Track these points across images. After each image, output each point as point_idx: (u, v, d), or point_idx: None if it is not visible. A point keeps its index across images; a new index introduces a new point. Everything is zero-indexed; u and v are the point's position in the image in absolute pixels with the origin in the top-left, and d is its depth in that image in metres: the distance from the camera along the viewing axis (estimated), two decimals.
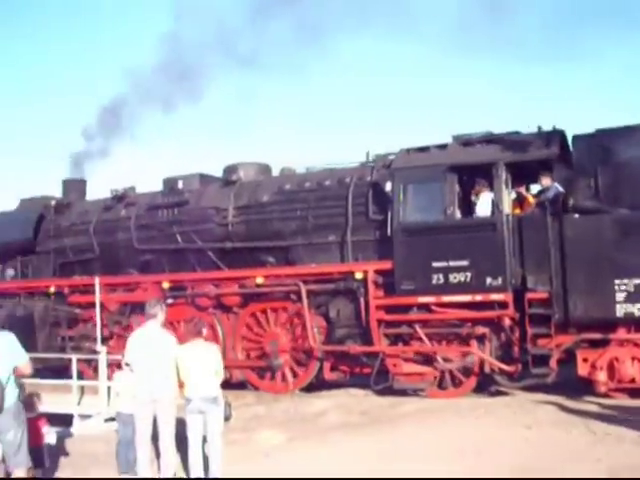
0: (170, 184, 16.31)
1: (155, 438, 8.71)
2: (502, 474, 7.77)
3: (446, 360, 12.65)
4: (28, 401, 8.90)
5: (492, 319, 12.15)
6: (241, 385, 14.58)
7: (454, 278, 12.21)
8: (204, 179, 16.29)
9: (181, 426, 8.74)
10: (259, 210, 14.82)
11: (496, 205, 12.14)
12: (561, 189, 11.97)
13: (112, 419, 11.65)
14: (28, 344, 7.46)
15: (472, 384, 12.59)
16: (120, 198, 17.04)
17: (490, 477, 6.82)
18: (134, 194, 17.10)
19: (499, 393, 12.61)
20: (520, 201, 13.12)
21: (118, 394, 9.58)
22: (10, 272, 18.31)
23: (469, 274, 12.11)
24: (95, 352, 15.78)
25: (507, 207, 12.27)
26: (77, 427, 12.82)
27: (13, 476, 7.15)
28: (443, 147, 13.01)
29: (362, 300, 13.11)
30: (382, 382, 13.05)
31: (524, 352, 11.91)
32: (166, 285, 15.24)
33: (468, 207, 12.82)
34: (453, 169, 12.51)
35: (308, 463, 8.99)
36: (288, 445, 10.27)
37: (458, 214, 12.55)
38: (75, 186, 19.01)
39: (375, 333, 12.91)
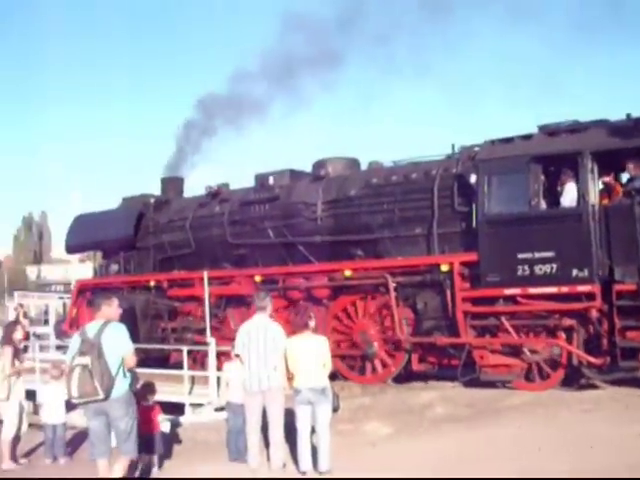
0: (261, 180, 16.79)
1: (264, 428, 8.96)
2: (615, 473, 7.60)
3: (533, 352, 12.59)
4: (143, 390, 9.55)
5: (579, 311, 12.00)
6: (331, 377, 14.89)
7: (539, 270, 12.13)
8: (294, 175, 16.69)
9: (290, 417, 8.92)
10: (347, 204, 15.08)
11: (582, 195, 11.97)
12: None
13: (222, 408, 12.04)
14: (130, 335, 7.73)
15: (560, 376, 12.46)
16: (214, 195, 17.67)
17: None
18: (227, 190, 17.70)
19: (589, 387, 12.41)
20: (608, 191, 12.85)
21: (228, 384, 9.87)
22: (114, 267, 19.31)
23: (555, 265, 12.00)
24: (196, 343, 16.57)
25: (593, 197, 12.07)
26: (189, 416, 13.42)
27: (117, 464, 7.39)
28: (528, 137, 12.91)
29: (448, 292, 13.19)
30: (469, 374, 13.11)
31: (613, 345, 11.73)
32: (258, 278, 15.74)
33: (554, 198, 12.67)
34: (537, 159, 12.41)
35: (415, 455, 9.10)
36: (395, 436, 10.38)
37: (543, 205, 12.46)
38: (173, 184, 19.87)
39: (461, 325, 12.96)
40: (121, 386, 7.30)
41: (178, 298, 17.38)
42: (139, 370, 12.31)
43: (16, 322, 12.46)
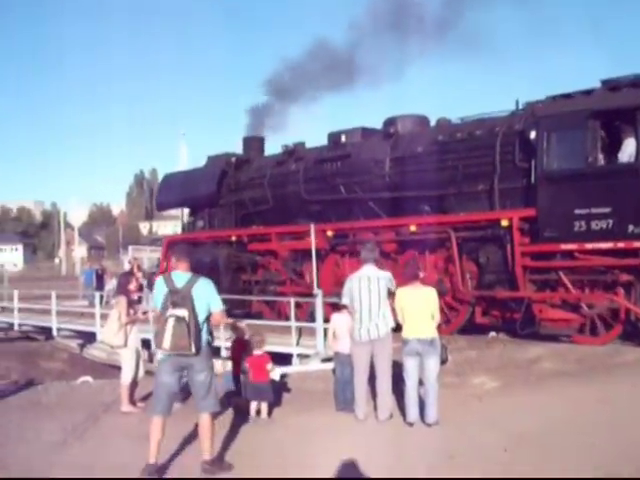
0: (334, 138, 17.29)
1: (371, 379, 9.00)
2: None
3: (591, 307, 12.73)
4: (254, 340, 9.94)
5: (636, 267, 12.04)
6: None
7: (596, 225, 12.21)
8: (366, 132, 17.11)
9: (397, 368, 8.96)
10: (413, 161, 15.42)
11: (639, 151, 11.92)
12: None
13: (329, 359, 12.48)
14: (216, 284, 7.30)
15: (618, 331, 12.56)
16: (291, 153, 18.30)
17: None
18: (303, 149, 18.30)
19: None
20: None
21: (335, 335, 9.77)
22: (200, 223, 20.39)
23: (611, 221, 12.06)
24: (278, 294, 17.44)
25: None
26: (296, 366, 13.65)
27: (201, 420, 7.06)
28: (589, 93, 12.87)
29: (509, 247, 13.43)
30: (529, 327, 13.36)
31: None
32: (330, 233, 16.36)
33: (614, 154, 12.63)
34: (596, 115, 12.39)
35: (522, 410, 9.01)
36: (502, 391, 10.27)
37: (601, 161, 12.47)
38: (254, 143, 20.63)
39: (520, 279, 13.21)
40: (204, 340, 7.04)
41: (258, 252, 18.24)
42: (248, 321, 12.94)
43: (130, 273, 12.94)
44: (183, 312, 6.82)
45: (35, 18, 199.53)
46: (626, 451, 7.18)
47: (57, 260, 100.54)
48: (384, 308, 8.77)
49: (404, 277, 9.27)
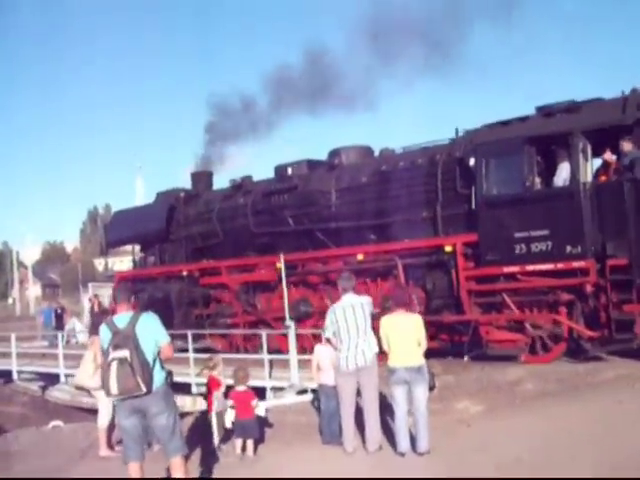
0: (280, 171, 17.52)
1: (357, 411, 8.89)
2: None
3: (536, 327, 13.02)
4: (238, 375, 9.64)
5: (576, 286, 12.37)
6: None
7: (536, 247, 12.56)
8: (311, 164, 17.38)
9: (382, 398, 8.90)
10: (358, 191, 15.71)
11: (573, 174, 12.33)
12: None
13: (304, 391, 12.59)
14: (167, 322, 7.48)
15: (562, 349, 12.88)
16: (238, 187, 18.49)
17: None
18: (250, 182, 18.49)
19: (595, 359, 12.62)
20: (606, 168, 13.14)
21: (320, 367, 9.61)
22: (151, 259, 20.46)
23: (550, 243, 12.42)
24: (229, 327, 17.47)
25: (586, 176, 12.43)
26: (271, 400, 13.30)
27: (171, 465, 6.86)
28: (524, 119, 13.29)
29: (453, 272, 13.71)
30: (476, 350, 13.61)
31: (610, 318, 12.06)
32: (279, 265, 16.48)
33: (551, 178, 13.02)
34: (531, 141, 12.80)
35: (511, 433, 8.92)
36: (488, 415, 10.18)
37: (538, 185, 12.85)
38: (202, 178, 20.76)
39: (466, 303, 13.49)
40: (159, 379, 6.72)
41: (210, 285, 18.30)
42: (225, 356, 12.66)
43: (105, 311, 12.84)
44: (124, 353, 6.57)
45: None
46: (623, 464, 7.22)
47: (10, 300, 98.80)
48: (369, 334, 8.75)
49: (395, 302, 9.10)
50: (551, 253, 12.40)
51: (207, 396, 10.34)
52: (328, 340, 9.13)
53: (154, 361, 6.70)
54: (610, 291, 11.95)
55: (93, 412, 15.21)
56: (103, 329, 6.92)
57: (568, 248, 12.26)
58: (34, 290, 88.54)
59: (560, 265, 12.37)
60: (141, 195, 45.94)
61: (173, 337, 16.53)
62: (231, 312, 17.96)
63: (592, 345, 12.56)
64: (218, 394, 9.99)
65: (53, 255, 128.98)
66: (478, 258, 13.43)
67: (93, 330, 10.61)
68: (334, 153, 16.78)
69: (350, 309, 8.77)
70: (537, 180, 12.87)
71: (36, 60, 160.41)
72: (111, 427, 9.81)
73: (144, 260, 20.99)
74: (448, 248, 13.68)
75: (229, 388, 10.03)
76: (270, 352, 14.81)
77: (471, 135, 14.15)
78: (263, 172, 18.59)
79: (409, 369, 8.37)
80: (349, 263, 15.41)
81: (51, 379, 19.37)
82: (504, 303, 13.22)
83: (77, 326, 26.03)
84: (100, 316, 11.19)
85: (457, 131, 14.68)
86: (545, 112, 13.10)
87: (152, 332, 6.82)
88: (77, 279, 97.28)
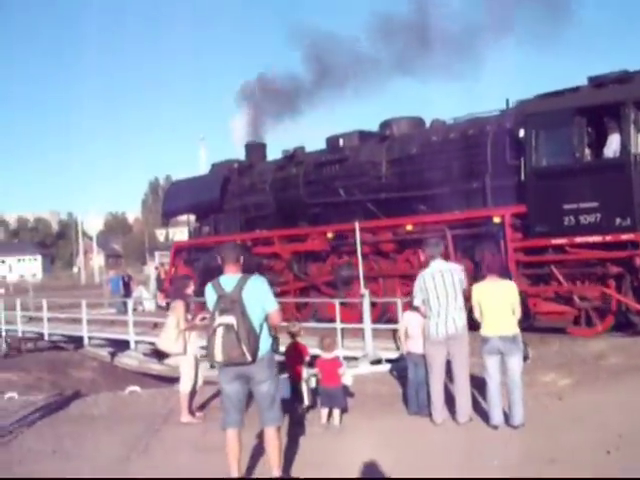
0: (332, 142, 17.67)
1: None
2: None
3: (583, 299, 12.99)
4: (325, 342, 9.25)
5: (625, 259, 12.28)
6: None
7: (585, 219, 12.49)
8: (363, 135, 17.49)
9: (473, 369, 8.54)
10: (408, 162, 15.79)
11: (624, 145, 12.20)
12: None
13: (377, 361, 12.54)
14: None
15: (610, 322, 12.81)
16: (291, 158, 18.71)
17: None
18: (303, 153, 18.68)
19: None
20: None
21: (408, 335, 9.21)
22: (205, 229, 20.88)
23: (599, 215, 12.33)
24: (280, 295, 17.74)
25: (637, 147, 12.21)
26: (358, 369, 12.65)
27: (265, 434, 6.53)
28: (576, 90, 13.15)
29: (502, 243, 13.73)
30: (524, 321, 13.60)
31: None
32: (330, 235, 16.72)
33: (601, 149, 12.90)
34: (581, 111, 12.67)
35: (608, 408, 8.56)
36: (578, 388, 9.77)
37: (588, 156, 12.75)
38: (256, 149, 21.08)
39: (514, 274, 13.48)
40: (264, 346, 6.36)
41: (262, 255, 18.64)
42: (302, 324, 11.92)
43: (187, 276, 12.45)
44: (230, 319, 6.21)
45: (52, 24, 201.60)
46: None
47: (75, 269, 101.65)
48: (460, 301, 8.40)
49: (486, 269, 8.73)
50: (600, 225, 12.31)
51: (288, 363, 9.92)
52: (416, 308, 8.74)
53: (261, 327, 6.35)
54: None
55: (161, 379, 15.87)
56: (209, 291, 6.50)
57: (618, 220, 12.15)
58: (98, 260, 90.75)
59: (609, 237, 12.28)
60: (203, 166, 46.38)
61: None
62: (282, 281, 18.28)
63: None
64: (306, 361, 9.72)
65: (115, 226, 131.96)
66: (527, 229, 13.41)
67: (176, 294, 10.13)
68: (385, 124, 16.86)
69: (439, 275, 8.37)
70: (587, 151, 12.77)
71: (104, 36, 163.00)
72: (192, 393, 9.63)
73: (199, 230, 21.45)
74: (497, 219, 13.67)
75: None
76: (320, 321, 14.95)
77: (522, 106, 14.06)
78: (317, 143, 18.60)
79: (503, 338, 7.97)
80: (398, 234, 15.55)
81: (119, 345, 19.61)
82: (552, 275, 13.22)
83: (144, 294, 26.42)
84: (182, 280, 10.80)
85: (508, 102, 14.63)
86: (597, 82, 12.93)
87: (260, 297, 6.38)
88: (139, 249, 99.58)
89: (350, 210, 16.94)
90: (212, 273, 17.45)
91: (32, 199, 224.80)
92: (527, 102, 13.84)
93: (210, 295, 6.46)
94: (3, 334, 23.85)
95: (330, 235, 16.74)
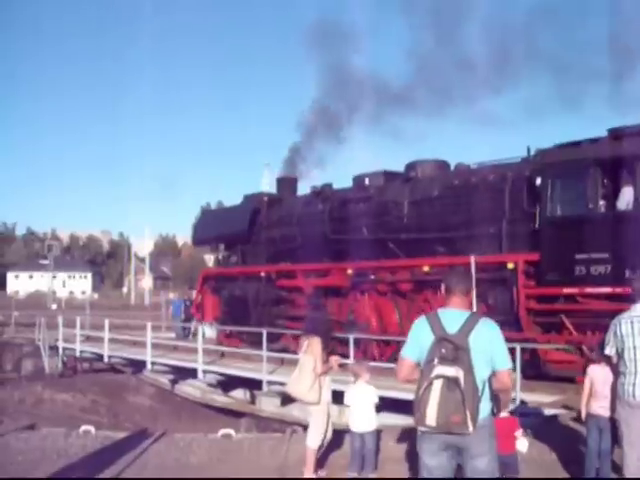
0: (358, 181, 17.99)
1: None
2: None
3: (593, 350, 12.93)
4: (503, 399, 7.19)
5: None
6: None
7: (595, 270, 12.53)
8: (388, 176, 17.78)
9: None
10: (429, 204, 15.99)
11: (636, 198, 12.24)
12: None
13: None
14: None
15: None
16: (318, 194, 19.08)
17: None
18: (329, 190, 19.03)
19: None
20: None
21: (593, 392, 7.63)
22: (233, 258, 21.29)
23: (609, 266, 12.36)
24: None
25: None
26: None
27: None
28: (595, 141, 13.25)
29: (514, 289, 13.80)
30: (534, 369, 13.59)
31: None
32: (350, 272, 16.95)
33: (614, 201, 12.93)
34: (597, 163, 12.78)
35: None
36: None
37: (601, 208, 12.80)
38: (287, 183, 21.57)
39: (524, 321, 13.56)
40: (484, 410, 4.88)
41: (285, 288, 18.95)
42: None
43: (322, 305, 11.77)
44: (457, 371, 4.68)
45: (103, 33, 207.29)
46: None
47: (125, 289, 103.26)
48: None
49: None
50: (610, 276, 12.33)
51: None
52: (607, 358, 6.69)
53: (483, 387, 4.85)
54: None
55: (222, 411, 15.92)
56: (422, 327, 4.97)
57: (627, 272, 12.16)
58: (147, 281, 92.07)
59: (619, 290, 12.26)
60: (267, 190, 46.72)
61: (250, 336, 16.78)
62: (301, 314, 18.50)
63: None
64: None
65: (165, 248, 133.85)
66: (539, 277, 13.48)
67: (312, 329, 8.47)
68: (410, 166, 17.12)
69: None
70: (601, 202, 12.83)
71: (173, 59, 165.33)
72: (319, 448, 8.33)
73: (227, 259, 21.89)
74: (510, 265, 13.79)
75: None
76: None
77: (541, 154, 14.19)
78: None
79: None
80: (416, 274, 15.71)
81: (181, 373, 18.74)
82: (563, 324, 13.24)
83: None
84: (317, 311, 10.09)
85: (529, 150, 14.75)
86: (615, 135, 13.02)
87: (489, 348, 4.87)
88: (188, 273, 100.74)
89: (372, 248, 17.18)
90: (235, 302, 17.83)
91: (85, 217, 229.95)
92: (546, 151, 13.98)
93: (425, 334, 4.90)
94: (60, 352, 23.00)
95: (350, 272, 16.97)
